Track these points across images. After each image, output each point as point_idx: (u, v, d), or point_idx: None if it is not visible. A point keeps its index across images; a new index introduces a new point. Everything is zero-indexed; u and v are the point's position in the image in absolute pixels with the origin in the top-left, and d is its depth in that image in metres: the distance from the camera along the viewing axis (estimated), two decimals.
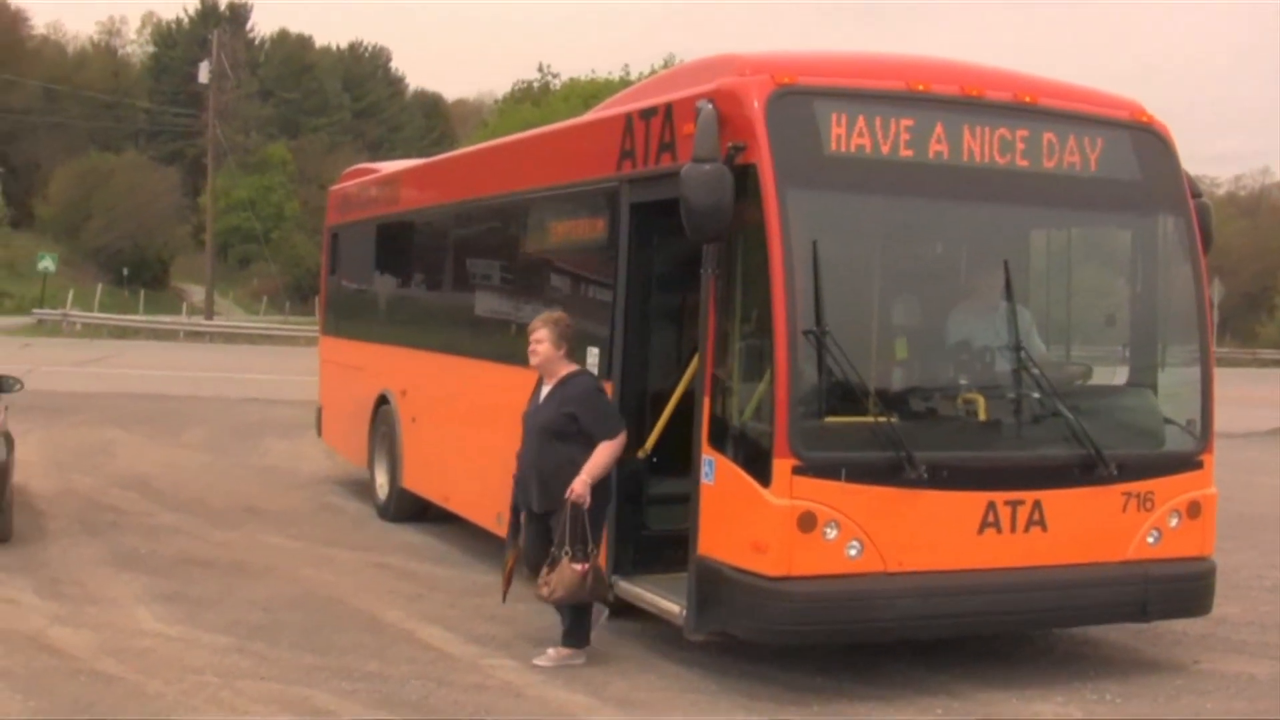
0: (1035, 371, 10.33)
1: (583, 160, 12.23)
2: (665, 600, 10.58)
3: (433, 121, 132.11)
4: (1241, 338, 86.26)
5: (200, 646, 10.84)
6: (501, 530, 10.90)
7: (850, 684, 10.24)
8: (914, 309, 10.80)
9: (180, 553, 14.42)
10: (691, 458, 10.10)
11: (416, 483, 15.95)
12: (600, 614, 10.77)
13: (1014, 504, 10.00)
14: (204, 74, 76.23)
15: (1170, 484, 10.58)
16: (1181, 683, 10.69)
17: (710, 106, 9.74)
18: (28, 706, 9.23)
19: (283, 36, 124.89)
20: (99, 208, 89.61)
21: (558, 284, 12.88)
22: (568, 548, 10.33)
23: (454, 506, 14.87)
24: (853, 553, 9.55)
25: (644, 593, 10.94)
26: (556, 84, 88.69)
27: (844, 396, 9.64)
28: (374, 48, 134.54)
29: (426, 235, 16.73)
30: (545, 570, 10.43)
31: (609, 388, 11.20)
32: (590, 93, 68.71)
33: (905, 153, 10.00)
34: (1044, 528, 10.09)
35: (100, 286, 75.75)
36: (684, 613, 10.15)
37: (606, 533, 11.09)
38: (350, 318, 19.38)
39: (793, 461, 9.35)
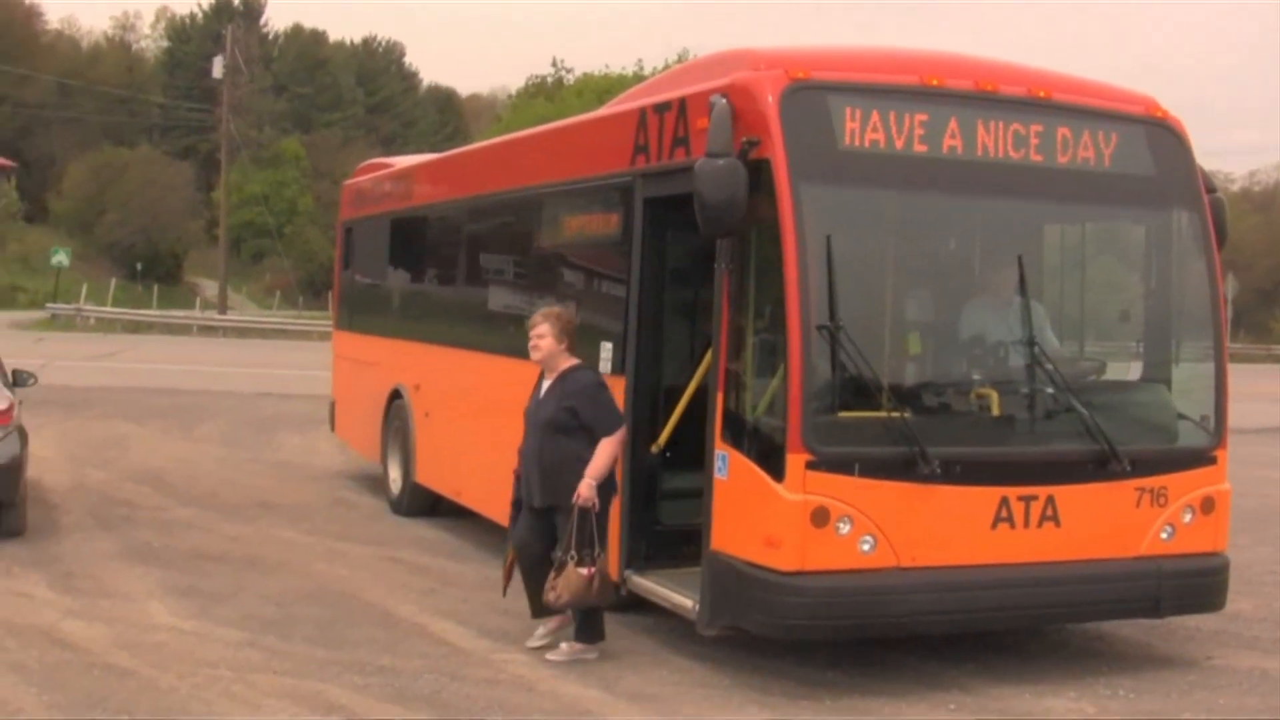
0: (1049, 367, 10.32)
1: (596, 155, 12.23)
2: (678, 595, 10.59)
3: (446, 117, 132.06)
4: (1255, 333, 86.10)
5: (213, 641, 10.86)
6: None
7: (863, 679, 10.24)
8: (927, 304, 10.79)
9: (193, 547, 14.44)
10: (705, 452, 10.10)
11: (429, 477, 15.97)
12: (589, 652, 10.74)
13: (1027, 499, 9.99)
14: (218, 69, 76.19)
15: (1184, 479, 10.57)
16: (1194, 678, 10.68)
17: (724, 101, 9.73)
18: (42, 700, 9.25)
19: (296, 31, 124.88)
20: (113, 203, 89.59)
21: (571, 279, 12.89)
22: (573, 552, 10.35)
23: (467, 501, 14.88)
24: (866, 548, 9.55)
25: (657, 587, 10.95)
26: (570, 79, 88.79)
27: (857, 391, 9.63)
28: (388, 43, 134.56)
29: (440, 230, 16.73)
30: (552, 575, 10.44)
31: (621, 382, 11.21)
32: (604, 88, 68.70)
33: (919, 148, 9.99)
34: (1057, 523, 10.08)
35: (114, 281, 75.80)
36: (697, 607, 10.16)
37: (619, 528, 11.12)
38: (364, 312, 19.40)
39: (806, 456, 9.35)
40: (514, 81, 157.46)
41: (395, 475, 17.06)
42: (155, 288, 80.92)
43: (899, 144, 9.93)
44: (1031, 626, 11.42)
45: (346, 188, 20.88)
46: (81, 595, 12.19)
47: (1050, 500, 10.06)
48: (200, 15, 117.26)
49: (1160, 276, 11.34)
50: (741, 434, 9.80)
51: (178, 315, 66.90)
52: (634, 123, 11.42)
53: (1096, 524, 10.26)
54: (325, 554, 14.34)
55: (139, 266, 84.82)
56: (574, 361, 10.75)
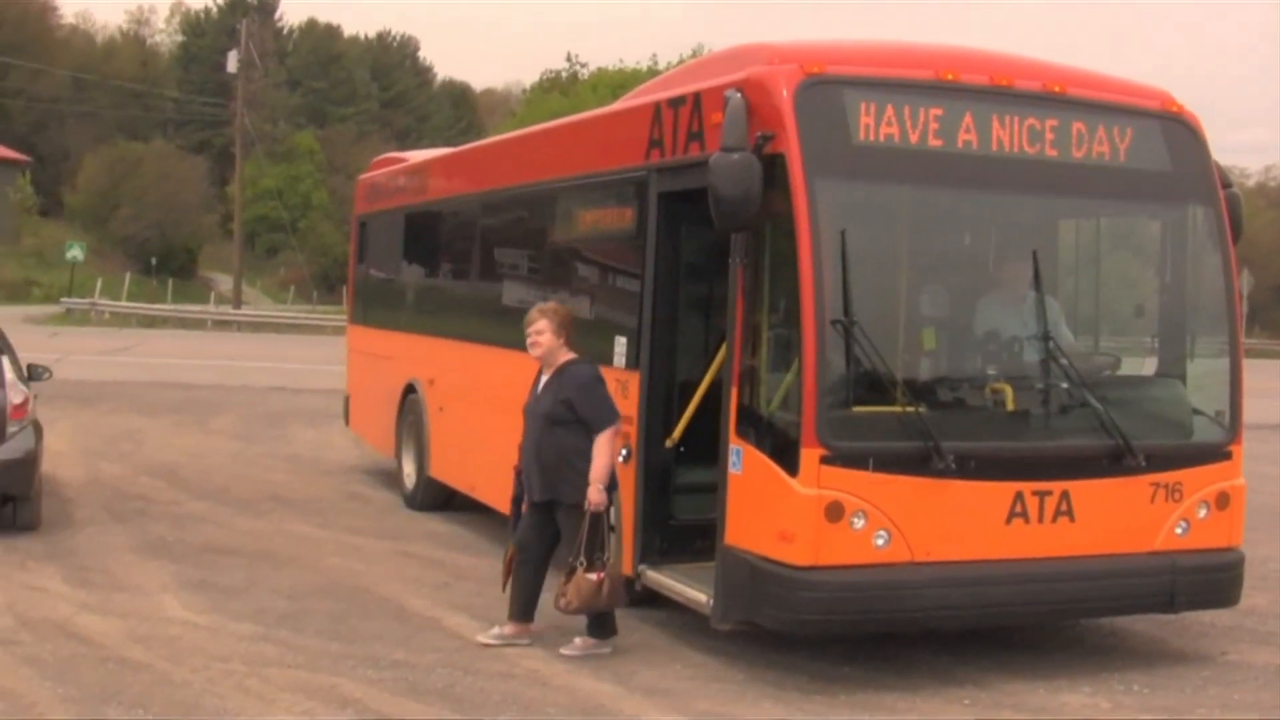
0: (1063, 362, 10.30)
1: (611, 149, 12.23)
2: (692, 590, 10.58)
3: (460, 111, 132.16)
4: (1270, 329, 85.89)
5: (227, 634, 10.88)
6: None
7: (877, 674, 10.24)
8: (942, 299, 10.76)
9: (207, 541, 14.47)
10: (719, 447, 10.10)
11: (443, 472, 15.98)
12: (600, 646, 10.73)
13: (1042, 494, 9.98)
14: (232, 63, 76.24)
15: (1199, 475, 10.54)
16: (1209, 674, 10.67)
17: (739, 96, 9.72)
18: (56, 693, 9.27)
19: (311, 26, 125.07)
20: (127, 197, 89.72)
21: (585, 273, 12.89)
22: (582, 558, 10.38)
23: (480, 496, 14.87)
24: (880, 542, 9.54)
25: (671, 582, 10.94)
26: (584, 74, 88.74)
27: (872, 386, 9.63)
28: (402, 37, 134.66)
29: (454, 224, 16.73)
30: (561, 581, 10.46)
31: (636, 377, 11.21)
32: (618, 83, 68.65)
33: (934, 142, 9.97)
34: (1072, 518, 10.07)
35: (128, 275, 75.89)
36: (711, 602, 10.15)
37: (632, 522, 11.12)
38: (378, 307, 19.40)
39: (820, 451, 9.34)
40: (528, 76, 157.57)
41: (409, 470, 17.07)
42: (170, 282, 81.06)
43: (914, 139, 9.91)
44: (1046, 622, 11.41)
45: (361, 182, 20.90)
46: (96, 589, 12.21)
47: (1065, 495, 10.04)
48: (215, 10, 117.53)
49: (1175, 272, 11.31)
50: (756, 429, 9.79)
51: (192, 310, 66.97)
52: (649, 117, 11.42)
53: (1111, 519, 10.24)
54: (339, 548, 14.35)
55: (153, 261, 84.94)
56: (572, 356, 10.76)
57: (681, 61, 55.49)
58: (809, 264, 9.32)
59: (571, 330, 10.80)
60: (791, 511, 9.47)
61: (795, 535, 9.44)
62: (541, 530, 10.74)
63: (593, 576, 10.34)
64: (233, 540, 14.58)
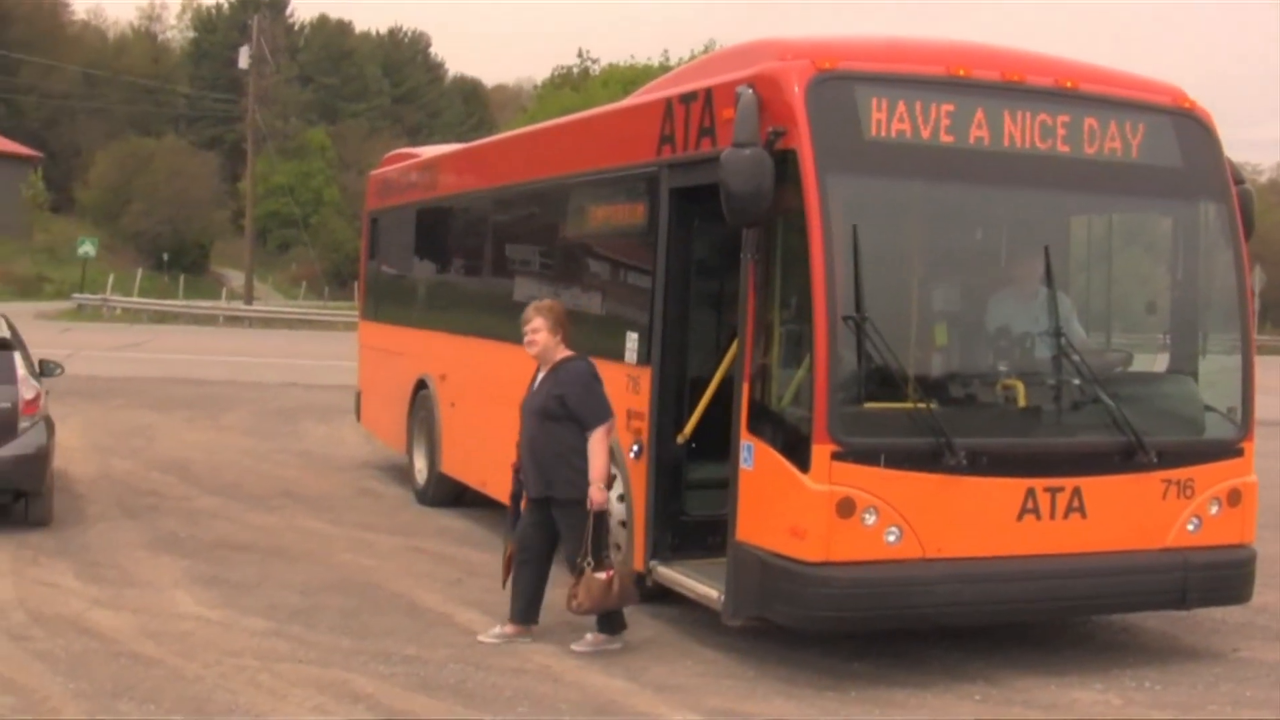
0: (1075, 358, 10.30)
1: (622, 145, 12.23)
2: (703, 585, 10.58)
3: (472, 107, 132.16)
4: None
5: (239, 630, 10.90)
6: None
7: (888, 670, 10.24)
8: (954, 295, 10.77)
9: (219, 536, 14.49)
10: (730, 443, 10.10)
11: (455, 467, 15.98)
12: (610, 642, 10.74)
13: (1053, 491, 9.97)
14: (244, 59, 76.29)
15: (1210, 471, 10.53)
16: (1220, 670, 10.65)
17: (750, 91, 9.71)
18: (68, 688, 9.29)
19: (322, 22, 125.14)
20: (139, 193, 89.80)
21: (597, 269, 12.89)
22: (589, 558, 10.39)
23: (492, 491, 14.86)
24: (891, 539, 9.54)
25: (682, 578, 10.94)
26: (596, 70, 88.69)
27: (883, 382, 9.63)
28: (413, 33, 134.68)
29: (466, 220, 16.74)
30: (572, 584, 10.48)
31: (647, 373, 11.21)
32: (630, 79, 68.60)
33: (946, 138, 9.96)
34: (1083, 515, 10.06)
35: (140, 271, 75.95)
36: (722, 598, 10.16)
37: (645, 518, 11.15)
38: (390, 302, 19.42)
39: (832, 447, 9.34)
40: (539, 72, 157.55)
41: (420, 465, 17.09)
42: (181, 278, 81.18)
43: (925, 134, 9.90)
44: (1057, 618, 11.42)
45: (372, 178, 20.91)
46: (108, 584, 12.24)
47: (1076, 491, 10.04)
48: (226, 6, 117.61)
49: (1187, 268, 11.29)
50: (767, 424, 9.79)
51: (203, 305, 67.07)
52: (660, 113, 11.41)
53: (1123, 515, 10.23)
54: (350, 544, 14.37)
55: (165, 257, 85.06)
56: (569, 353, 10.76)
57: (693, 57, 55.51)
58: (820, 260, 9.32)
59: (568, 327, 10.82)
60: (803, 507, 9.47)
61: (807, 531, 9.44)
62: (540, 528, 10.75)
63: (602, 576, 10.36)
64: (244, 536, 14.60)
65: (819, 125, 9.55)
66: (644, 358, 11.38)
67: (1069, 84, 10.43)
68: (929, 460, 9.59)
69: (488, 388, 14.96)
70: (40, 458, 14.33)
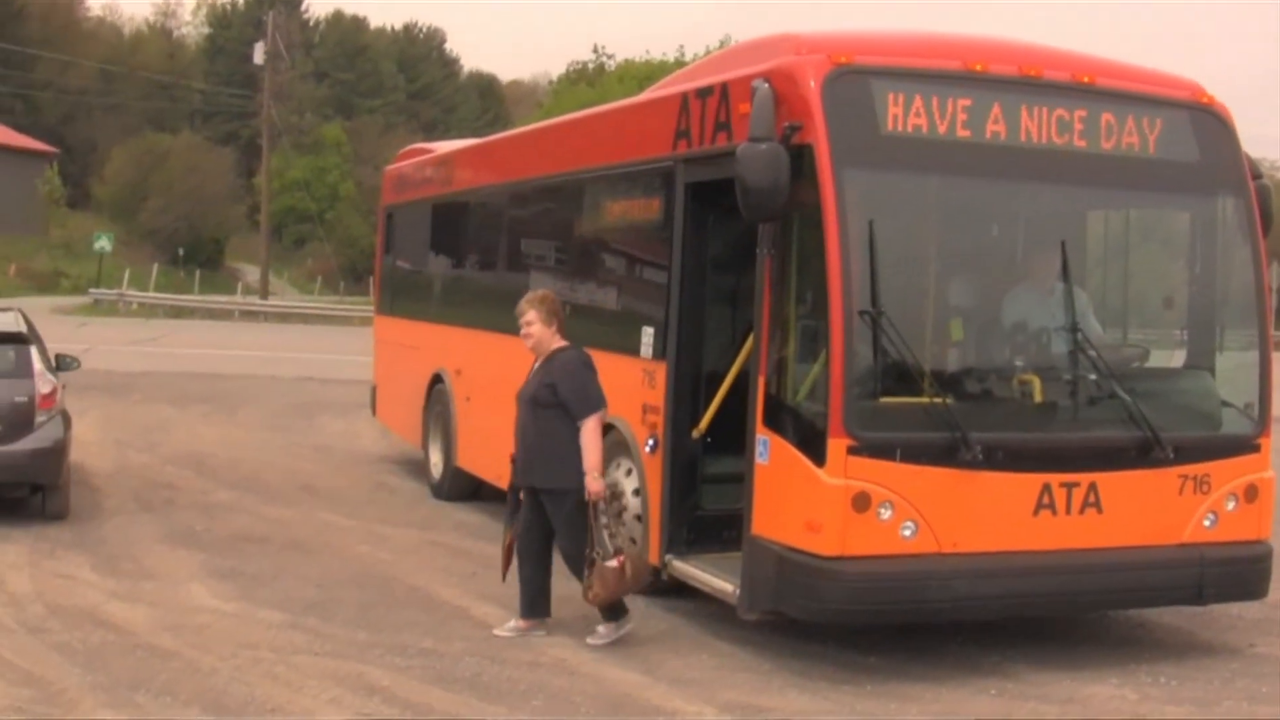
0: (1091, 353, 10.28)
1: (638, 140, 12.23)
2: (719, 580, 10.59)
3: (487, 103, 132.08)
4: None
5: (255, 622, 10.92)
6: None
7: (903, 664, 10.24)
8: (970, 290, 10.75)
9: (235, 530, 14.52)
10: (746, 437, 10.10)
11: (470, 462, 16.00)
12: (621, 627, 10.74)
13: (1069, 486, 9.96)
14: (259, 55, 76.26)
15: (1227, 467, 10.52)
16: (1237, 666, 10.64)
17: (766, 86, 9.71)
18: (86, 681, 9.32)
19: (337, 18, 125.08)
20: (155, 188, 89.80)
21: (612, 263, 12.89)
22: (598, 548, 10.41)
23: (507, 485, 14.88)
24: (907, 533, 9.54)
25: (698, 572, 10.95)
26: (611, 65, 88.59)
27: (899, 377, 9.62)
28: (429, 29, 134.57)
29: (481, 215, 16.75)
30: (585, 576, 10.50)
31: (663, 367, 11.22)
32: (645, 74, 68.45)
33: (962, 133, 9.95)
34: (1099, 510, 10.04)
35: (156, 266, 75.94)
36: (738, 592, 10.16)
37: (660, 513, 11.16)
38: (405, 297, 19.44)
39: (847, 441, 9.34)
40: (555, 68, 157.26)
41: (436, 460, 17.11)
42: (197, 273, 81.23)
43: (942, 129, 9.89)
44: (1073, 613, 11.40)
45: (388, 173, 20.93)
46: (124, 577, 12.27)
47: (1093, 487, 10.02)
48: (241, 2, 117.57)
49: (1204, 263, 11.27)
50: (783, 419, 9.79)
51: (220, 300, 67.07)
52: (676, 107, 11.41)
53: (1139, 511, 10.22)
54: (366, 537, 14.39)
55: (181, 252, 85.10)
56: (563, 343, 10.79)
57: (708, 53, 55.47)
58: (836, 255, 9.32)
59: (563, 317, 10.86)
60: (818, 502, 9.47)
61: (822, 525, 9.44)
62: (535, 519, 10.78)
63: (612, 564, 10.38)
64: (261, 529, 14.63)
65: (835, 120, 9.55)
66: (659, 352, 11.39)
67: (1086, 79, 10.41)
68: (945, 455, 9.59)
69: (503, 382, 14.93)
70: (57, 451, 14.39)
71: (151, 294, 65.57)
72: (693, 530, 11.34)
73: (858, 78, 9.77)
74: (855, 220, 9.43)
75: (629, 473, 11.84)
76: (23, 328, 15.29)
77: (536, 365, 10.84)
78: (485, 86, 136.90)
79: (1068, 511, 9.96)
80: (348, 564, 13.10)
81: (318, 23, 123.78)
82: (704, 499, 11.44)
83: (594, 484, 10.42)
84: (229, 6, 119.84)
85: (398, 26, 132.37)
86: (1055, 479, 9.91)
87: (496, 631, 10.78)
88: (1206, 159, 10.79)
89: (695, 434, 11.21)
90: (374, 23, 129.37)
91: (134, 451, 19.85)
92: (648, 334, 11.60)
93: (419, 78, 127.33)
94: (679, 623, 11.22)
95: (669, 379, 11.22)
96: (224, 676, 9.52)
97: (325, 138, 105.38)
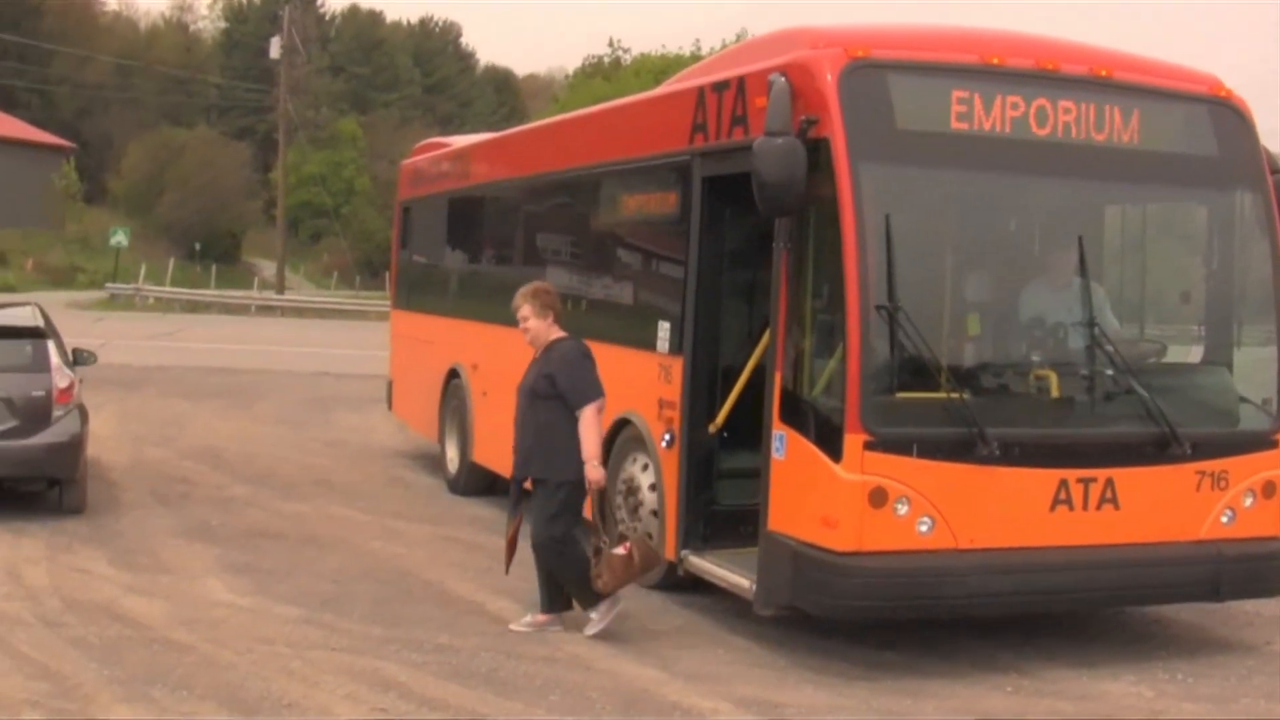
0: (1109, 348, 10.25)
1: (654, 134, 12.22)
2: (735, 575, 10.58)
3: (503, 97, 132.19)
4: None
5: (271, 617, 10.93)
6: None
7: (919, 660, 10.23)
8: (987, 285, 10.72)
9: (251, 525, 14.54)
10: (762, 433, 10.08)
11: (487, 457, 15.99)
12: (612, 607, 10.72)
13: (1086, 482, 9.93)
14: (275, 50, 76.28)
15: (1244, 463, 10.48)
16: (1254, 663, 10.61)
17: (783, 80, 9.68)
18: (102, 674, 9.33)
19: (353, 12, 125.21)
20: (171, 183, 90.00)
21: (628, 258, 12.87)
22: (605, 537, 10.41)
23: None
24: (923, 529, 9.51)
25: (714, 568, 10.94)
26: (627, 59, 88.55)
27: (916, 372, 9.59)
28: (444, 23, 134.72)
29: (497, 209, 16.75)
30: (593, 565, 10.49)
31: (679, 362, 11.21)
32: (661, 68, 68.37)
33: (979, 127, 9.92)
34: (1116, 506, 10.01)
35: (172, 261, 76.10)
36: (754, 587, 10.15)
37: (677, 508, 11.16)
38: (422, 292, 19.43)
39: (864, 437, 9.32)
40: (571, 62, 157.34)
41: (452, 454, 17.10)
42: (213, 267, 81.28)
43: (958, 123, 9.87)
44: (1089, 609, 11.38)
45: (404, 167, 20.93)
46: (141, 571, 12.29)
47: (1109, 483, 9.99)
48: None
49: (1222, 258, 11.23)
50: (799, 414, 9.76)
51: (236, 295, 67.17)
52: (692, 101, 11.40)
53: (1156, 507, 10.19)
54: (382, 532, 14.40)
55: (197, 246, 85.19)
56: (561, 334, 10.79)
57: (724, 47, 55.39)
58: (853, 249, 9.30)
59: (559, 309, 10.88)
60: (835, 497, 9.45)
61: (839, 521, 9.42)
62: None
63: (620, 550, 10.38)
64: (276, 524, 14.65)
65: (852, 114, 9.53)
66: (676, 347, 11.38)
67: (1103, 72, 10.38)
68: (961, 450, 9.56)
69: (520, 377, 14.94)
70: (74, 446, 14.41)
71: (168, 289, 65.73)
72: (709, 525, 11.33)
73: (874, 71, 9.74)
74: (872, 214, 9.41)
75: (645, 468, 11.83)
76: (40, 322, 15.33)
77: (535, 357, 10.83)
78: (501, 80, 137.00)
79: (1084, 507, 9.93)
80: (363, 559, 13.11)
81: (333, 17, 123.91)
82: (720, 494, 11.43)
83: (594, 473, 10.41)
84: (245, 1, 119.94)
85: (413, 20, 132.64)
86: (1072, 474, 9.88)
87: (512, 626, 10.78)
88: (1225, 153, 10.76)
89: (712, 429, 11.19)
90: (390, 17, 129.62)
91: (150, 446, 19.88)
92: (664, 329, 11.59)
93: (435, 72, 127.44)
94: (695, 618, 11.22)
95: (685, 374, 11.21)
96: (240, 671, 9.53)
97: (341, 132, 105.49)
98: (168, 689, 9.09)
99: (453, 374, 17.04)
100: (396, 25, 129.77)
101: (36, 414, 14.26)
